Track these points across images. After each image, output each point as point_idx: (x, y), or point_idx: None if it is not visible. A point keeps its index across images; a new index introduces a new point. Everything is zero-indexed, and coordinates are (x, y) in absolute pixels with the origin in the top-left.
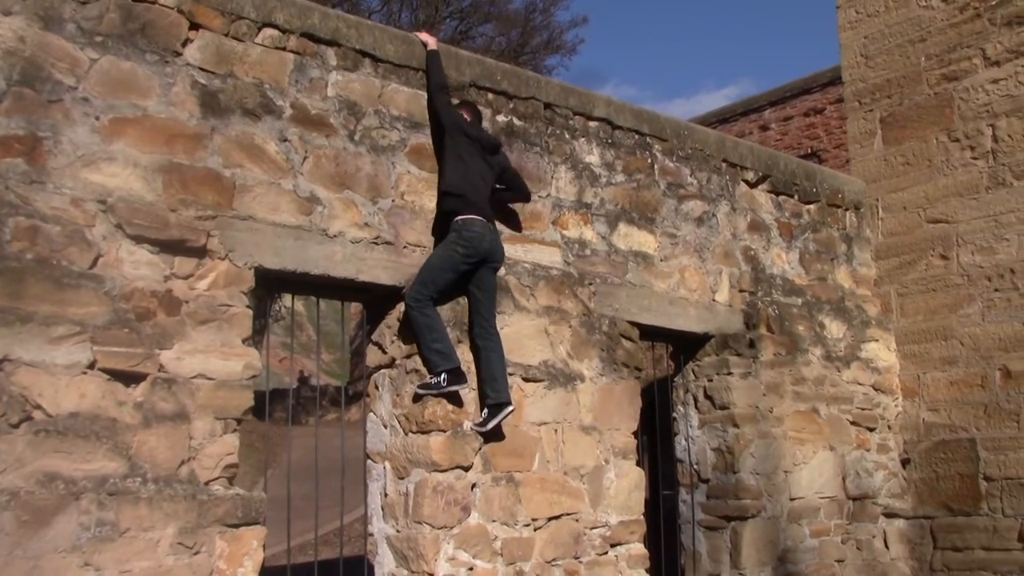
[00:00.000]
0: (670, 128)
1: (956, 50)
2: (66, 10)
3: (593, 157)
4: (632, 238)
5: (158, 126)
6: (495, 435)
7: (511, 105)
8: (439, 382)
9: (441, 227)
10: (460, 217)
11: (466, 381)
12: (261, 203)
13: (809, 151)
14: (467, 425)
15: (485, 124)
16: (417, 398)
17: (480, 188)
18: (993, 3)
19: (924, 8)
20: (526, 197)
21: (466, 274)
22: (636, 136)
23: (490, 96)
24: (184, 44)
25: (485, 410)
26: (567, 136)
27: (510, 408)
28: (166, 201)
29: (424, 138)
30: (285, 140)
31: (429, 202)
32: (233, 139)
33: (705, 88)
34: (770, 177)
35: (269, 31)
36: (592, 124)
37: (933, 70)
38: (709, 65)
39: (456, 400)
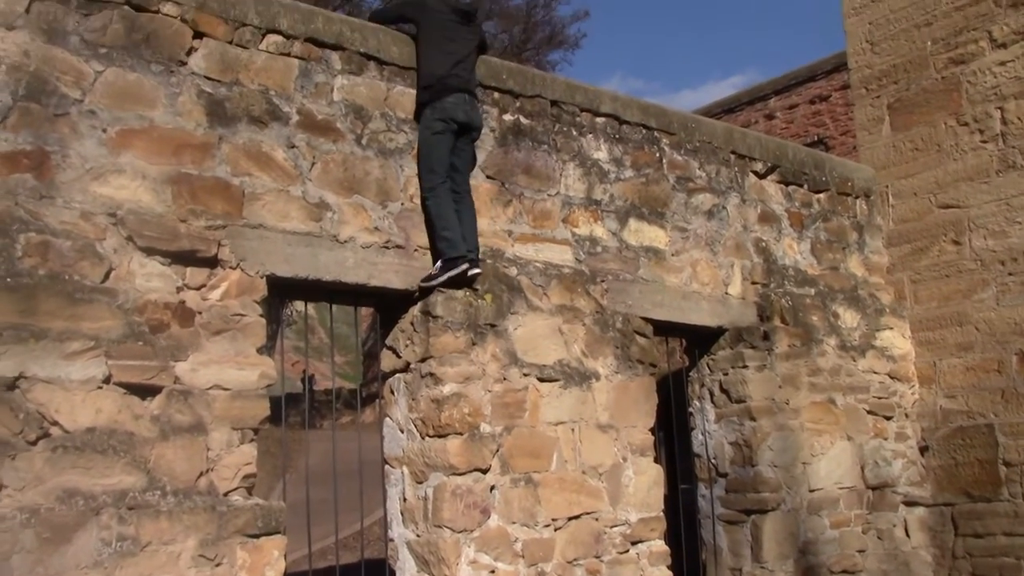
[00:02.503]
0: (677, 121)
1: (962, 33)
2: (69, 22)
3: (601, 153)
4: (643, 233)
5: (165, 136)
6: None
7: (517, 104)
8: (438, 271)
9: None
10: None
11: (458, 266)
12: (271, 211)
13: (815, 139)
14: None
15: (492, 123)
16: (430, 404)
17: (452, 64)
18: None
19: None
20: None
21: (456, 144)
22: (644, 131)
23: (496, 95)
24: (188, 53)
25: (438, 263)
26: (574, 133)
27: (464, 267)
28: (176, 212)
29: None
30: (293, 146)
31: None
32: (241, 147)
33: (712, 78)
34: (779, 167)
35: (273, 37)
36: (599, 120)
37: (940, 54)
38: (715, 55)
39: (454, 286)
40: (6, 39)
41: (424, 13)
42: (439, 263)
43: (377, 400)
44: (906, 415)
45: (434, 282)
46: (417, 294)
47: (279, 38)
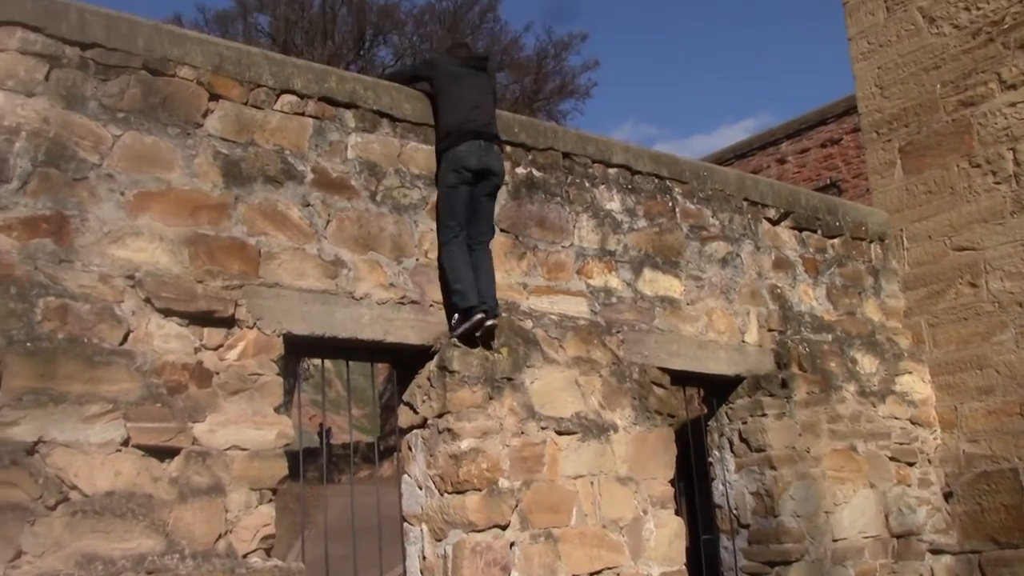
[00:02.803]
0: (689, 170)
1: (971, 76)
2: (88, 88)
3: (614, 204)
4: (657, 283)
5: (182, 198)
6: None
7: (530, 156)
8: (455, 323)
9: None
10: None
11: (472, 317)
12: (287, 269)
13: (828, 182)
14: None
15: (506, 177)
16: (448, 460)
17: (469, 110)
18: (1005, 27)
19: (936, 36)
20: None
21: (473, 192)
22: (656, 180)
23: (508, 148)
24: (205, 115)
25: (456, 316)
26: (587, 184)
27: (479, 316)
28: (193, 273)
29: None
30: (308, 205)
31: None
32: (256, 207)
33: (724, 122)
34: (792, 213)
35: (288, 97)
36: (611, 171)
37: (949, 97)
38: (726, 100)
39: (471, 341)
40: (26, 106)
41: (435, 69)
42: (456, 316)
43: (395, 454)
44: (929, 461)
45: (455, 332)
46: (433, 349)
47: (293, 98)
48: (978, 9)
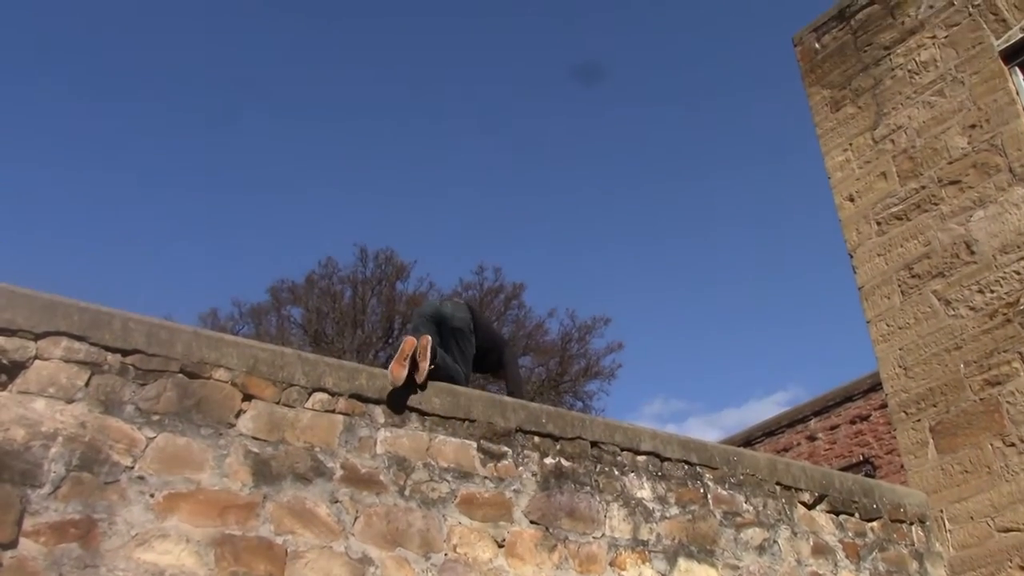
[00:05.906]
0: (719, 456)
1: (993, 355)
2: (126, 393)
3: (645, 492)
4: (693, 573)
5: (211, 499)
6: None
7: (558, 447)
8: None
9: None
10: None
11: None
12: (313, 569)
13: (861, 458)
14: None
15: (534, 467)
16: None
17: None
18: (1021, 308)
19: (954, 317)
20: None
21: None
22: (686, 467)
23: (536, 439)
24: (237, 415)
25: None
26: (616, 472)
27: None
28: (218, 575)
29: (474, 487)
30: (336, 502)
31: (482, 552)
32: (285, 505)
33: (754, 396)
34: (827, 496)
35: (319, 395)
36: (640, 458)
37: (974, 376)
38: (754, 374)
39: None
40: (64, 412)
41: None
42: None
43: None
44: None
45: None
46: None
47: (324, 396)
48: (992, 291)
